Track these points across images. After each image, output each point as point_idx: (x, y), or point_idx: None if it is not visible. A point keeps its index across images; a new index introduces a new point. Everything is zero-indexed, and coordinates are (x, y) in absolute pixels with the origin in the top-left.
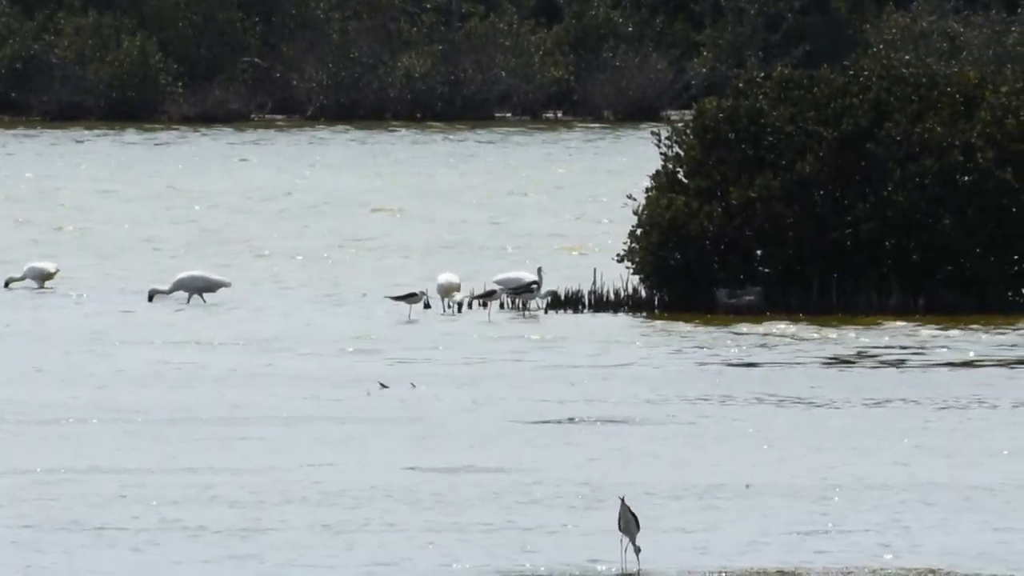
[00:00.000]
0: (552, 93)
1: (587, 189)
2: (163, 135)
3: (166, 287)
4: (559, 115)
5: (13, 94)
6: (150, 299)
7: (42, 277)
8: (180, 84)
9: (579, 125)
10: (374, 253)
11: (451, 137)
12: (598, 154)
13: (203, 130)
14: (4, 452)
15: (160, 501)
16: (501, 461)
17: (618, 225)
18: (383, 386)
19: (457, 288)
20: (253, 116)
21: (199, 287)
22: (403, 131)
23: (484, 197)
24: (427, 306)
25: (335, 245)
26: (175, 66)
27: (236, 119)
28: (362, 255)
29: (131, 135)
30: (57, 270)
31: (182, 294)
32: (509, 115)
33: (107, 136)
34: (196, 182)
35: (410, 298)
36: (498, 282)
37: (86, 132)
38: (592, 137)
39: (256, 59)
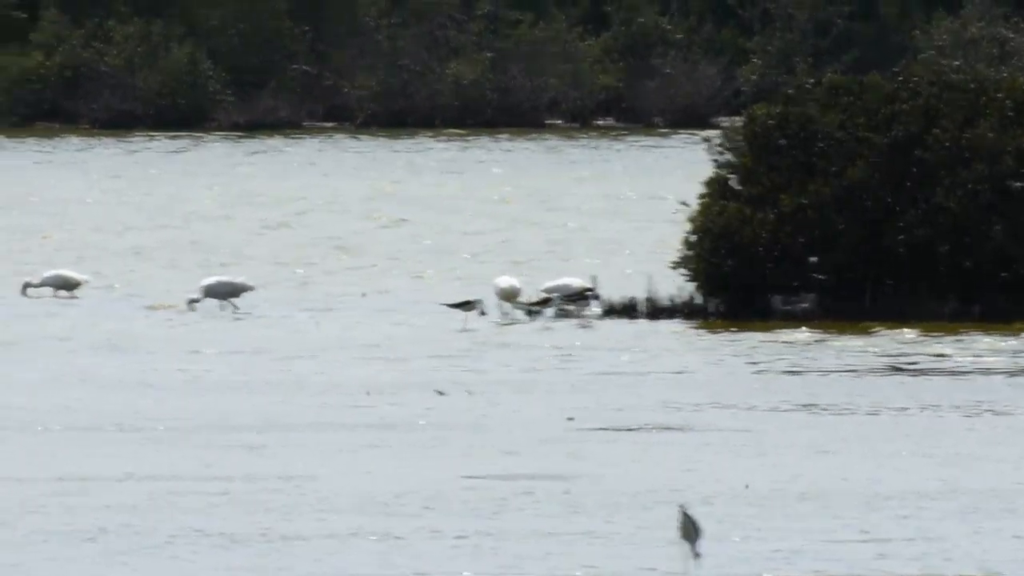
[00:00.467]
0: (601, 100)
1: (582, 198)
2: (176, 143)
3: (197, 294)
4: (609, 122)
5: (63, 102)
6: (189, 306)
7: (66, 285)
8: (229, 92)
9: (627, 132)
10: (395, 261)
11: (471, 145)
12: (623, 160)
13: (222, 137)
14: (30, 459)
15: (191, 509)
16: (556, 468)
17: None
18: (440, 393)
19: (518, 293)
20: (303, 124)
21: (226, 292)
22: (430, 139)
23: (478, 205)
24: (483, 313)
25: (353, 252)
26: (224, 74)
27: (286, 127)
28: (384, 263)
29: (161, 142)
30: (86, 280)
31: (210, 300)
32: (559, 122)
33: (122, 144)
34: (209, 190)
35: (465, 305)
36: (552, 289)
37: (86, 140)
38: (623, 146)
39: (306, 67)
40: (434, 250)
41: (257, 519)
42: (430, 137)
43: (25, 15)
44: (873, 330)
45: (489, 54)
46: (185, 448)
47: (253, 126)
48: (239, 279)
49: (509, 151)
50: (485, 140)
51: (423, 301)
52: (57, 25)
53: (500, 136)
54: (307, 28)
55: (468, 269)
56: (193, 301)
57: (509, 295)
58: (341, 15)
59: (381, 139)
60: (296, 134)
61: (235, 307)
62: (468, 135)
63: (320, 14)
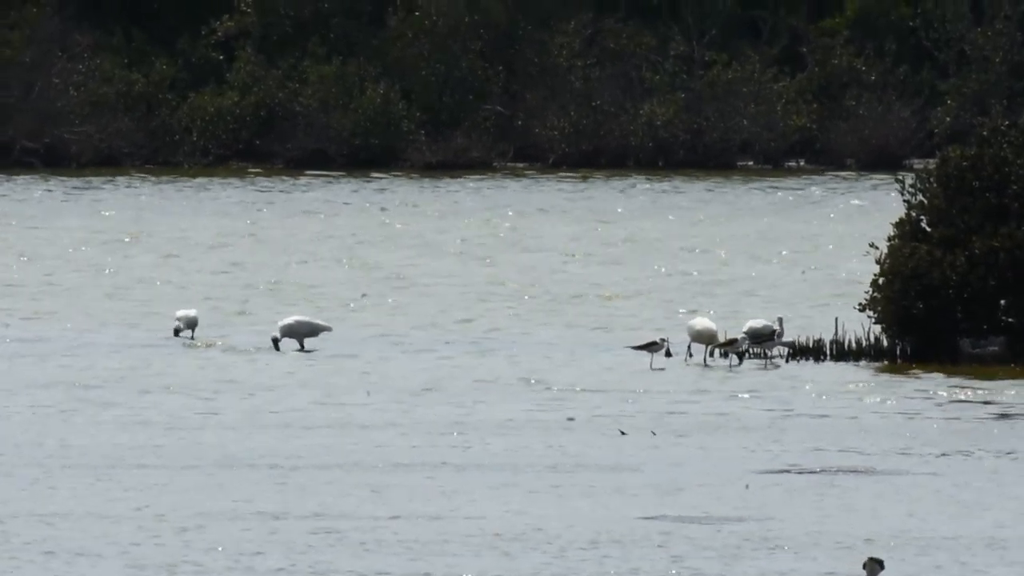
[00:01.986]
0: (795, 142)
1: (769, 239)
2: (343, 183)
3: (275, 333)
4: (801, 164)
5: (257, 142)
6: (275, 345)
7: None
8: (423, 132)
9: (819, 174)
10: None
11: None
12: (812, 201)
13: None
14: (245, 496)
15: (364, 550)
16: (741, 510)
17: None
18: (622, 433)
19: (714, 335)
20: (495, 164)
21: (304, 332)
22: (632, 179)
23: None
24: (668, 354)
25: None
26: (418, 114)
27: (478, 167)
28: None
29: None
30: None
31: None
32: (750, 163)
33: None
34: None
35: (651, 347)
36: (754, 331)
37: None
38: (814, 187)
39: (498, 107)
40: (630, 290)
41: (424, 558)
42: (634, 177)
43: (222, 56)
44: None
45: (682, 95)
46: (358, 487)
47: (444, 166)
48: (318, 320)
49: (706, 191)
50: (678, 181)
51: (608, 342)
52: (252, 65)
53: (694, 177)
54: (500, 68)
55: (656, 310)
56: (275, 340)
57: (705, 338)
58: (534, 55)
59: (542, 180)
60: (489, 174)
61: (303, 347)
62: (662, 176)
63: (513, 55)
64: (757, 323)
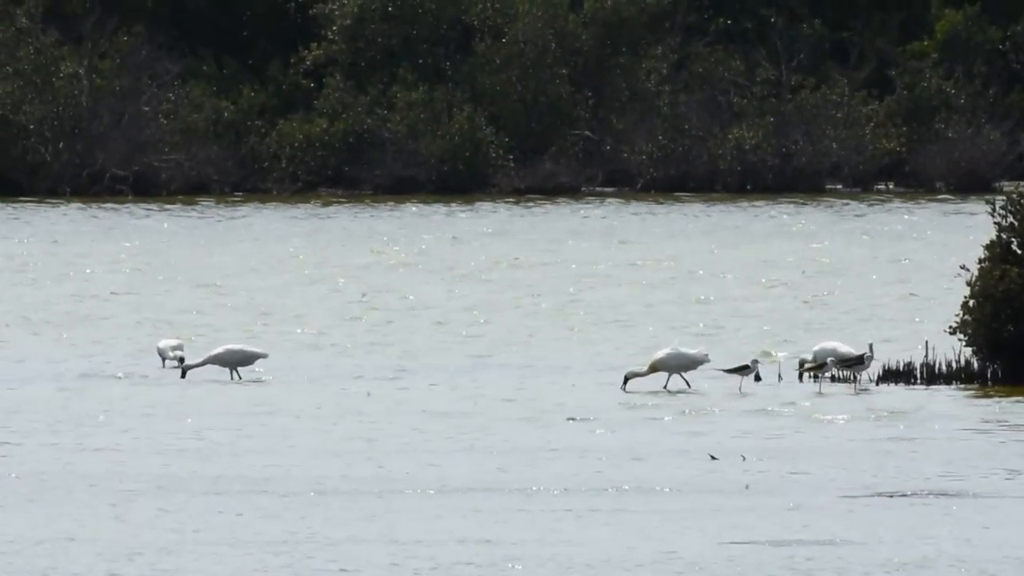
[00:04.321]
0: (884, 165)
1: (858, 262)
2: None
3: (198, 360)
4: (890, 187)
5: (346, 168)
6: (182, 374)
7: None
8: (511, 157)
9: (909, 197)
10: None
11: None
12: (901, 225)
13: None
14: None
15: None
16: (829, 534)
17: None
18: (712, 458)
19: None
20: (583, 188)
21: (237, 360)
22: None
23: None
24: (758, 378)
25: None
26: (506, 139)
27: (566, 192)
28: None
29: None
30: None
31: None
32: (839, 187)
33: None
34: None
35: (743, 370)
36: (827, 354)
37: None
38: (903, 210)
39: (587, 132)
40: (711, 313)
41: None
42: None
43: (311, 83)
44: None
45: (771, 119)
46: (439, 513)
47: (533, 191)
48: (254, 347)
49: (795, 215)
50: (768, 205)
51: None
52: (341, 92)
53: (783, 200)
54: (588, 93)
55: (737, 335)
56: (185, 367)
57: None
58: (622, 80)
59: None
60: (578, 199)
61: (238, 376)
62: (751, 200)
63: (601, 80)
64: (842, 347)
